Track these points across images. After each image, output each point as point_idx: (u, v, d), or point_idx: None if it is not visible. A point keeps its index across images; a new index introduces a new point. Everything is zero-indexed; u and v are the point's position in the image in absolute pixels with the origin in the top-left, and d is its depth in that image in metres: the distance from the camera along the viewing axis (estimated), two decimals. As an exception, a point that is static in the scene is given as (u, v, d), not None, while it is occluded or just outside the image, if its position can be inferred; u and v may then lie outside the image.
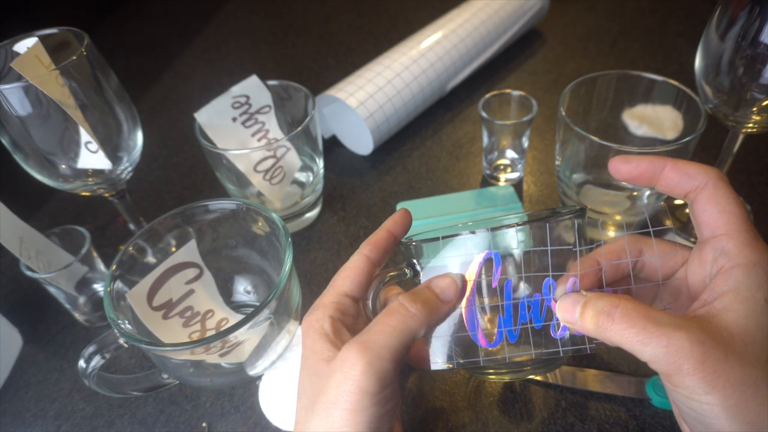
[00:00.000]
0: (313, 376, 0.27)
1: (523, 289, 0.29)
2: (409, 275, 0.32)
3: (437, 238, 0.29)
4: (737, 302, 0.24)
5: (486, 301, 0.29)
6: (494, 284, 0.29)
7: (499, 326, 0.29)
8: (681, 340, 0.23)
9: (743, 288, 0.24)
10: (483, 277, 0.29)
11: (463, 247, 0.29)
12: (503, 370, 0.32)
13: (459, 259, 0.29)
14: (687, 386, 0.23)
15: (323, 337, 0.28)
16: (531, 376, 0.33)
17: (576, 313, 0.26)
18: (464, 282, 0.29)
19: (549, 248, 0.28)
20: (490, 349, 0.29)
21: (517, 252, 0.28)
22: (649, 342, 0.23)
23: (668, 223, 0.52)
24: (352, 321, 0.30)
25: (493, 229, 0.28)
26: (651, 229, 0.29)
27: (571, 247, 0.29)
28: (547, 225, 0.28)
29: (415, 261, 0.31)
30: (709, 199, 0.27)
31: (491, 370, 0.32)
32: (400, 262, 0.52)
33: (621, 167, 0.29)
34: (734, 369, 0.22)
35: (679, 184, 0.28)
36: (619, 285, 0.31)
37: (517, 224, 0.29)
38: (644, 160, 0.28)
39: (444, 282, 0.29)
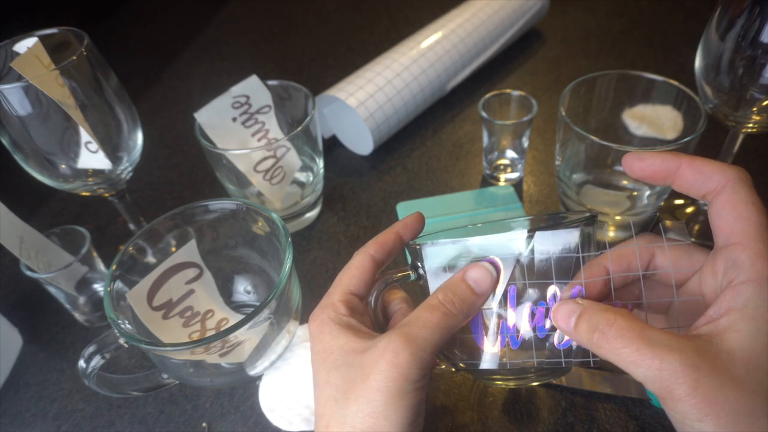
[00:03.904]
0: (341, 367, 0.27)
1: (529, 295, 0.28)
2: (413, 278, 0.31)
3: (443, 242, 0.29)
4: (743, 321, 0.22)
5: (490, 306, 0.29)
6: (499, 290, 0.28)
7: (502, 332, 0.29)
8: (674, 363, 0.22)
9: (751, 306, 0.23)
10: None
11: (470, 252, 0.29)
12: (509, 377, 0.32)
13: (465, 263, 0.29)
14: (680, 411, 0.22)
15: (347, 332, 0.28)
16: (536, 383, 0.33)
17: (571, 324, 0.26)
18: (498, 271, 0.28)
19: (555, 256, 0.28)
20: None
21: (524, 258, 0.28)
22: (641, 363, 0.22)
23: (669, 223, 0.52)
24: (360, 319, 0.30)
25: (500, 235, 0.28)
26: (666, 244, 0.28)
27: (578, 254, 0.28)
28: (556, 232, 0.27)
29: (419, 264, 0.31)
30: (725, 203, 0.25)
31: (496, 376, 0.32)
32: (400, 262, 0.52)
33: (634, 164, 0.27)
34: (730, 397, 0.21)
35: (694, 185, 0.26)
36: (629, 288, 0.30)
37: (526, 230, 0.28)
38: (658, 157, 0.26)
39: (477, 273, 0.28)
